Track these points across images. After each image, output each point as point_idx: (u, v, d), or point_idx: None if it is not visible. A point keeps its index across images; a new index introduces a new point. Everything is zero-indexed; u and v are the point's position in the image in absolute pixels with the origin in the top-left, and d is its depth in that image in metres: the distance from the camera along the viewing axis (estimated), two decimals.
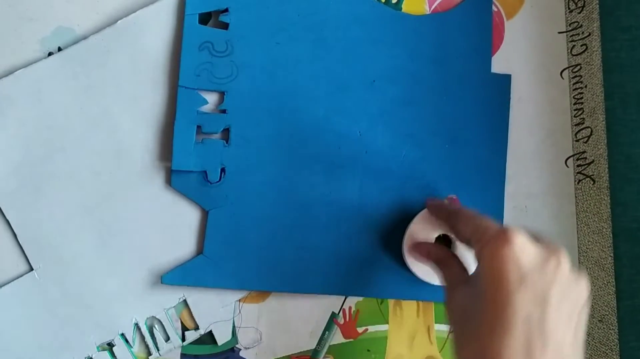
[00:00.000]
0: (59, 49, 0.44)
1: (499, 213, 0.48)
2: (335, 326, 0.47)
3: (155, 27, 0.44)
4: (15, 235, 0.43)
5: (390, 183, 0.46)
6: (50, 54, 0.44)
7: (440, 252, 0.42)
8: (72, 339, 0.44)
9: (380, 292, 0.47)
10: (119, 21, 0.44)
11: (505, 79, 0.48)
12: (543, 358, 0.31)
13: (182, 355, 0.46)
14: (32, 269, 0.44)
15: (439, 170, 0.46)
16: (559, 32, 0.48)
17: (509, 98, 0.48)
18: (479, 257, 0.35)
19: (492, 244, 0.33)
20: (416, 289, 0.46)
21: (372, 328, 0.47)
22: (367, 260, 0.46)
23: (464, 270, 0.40)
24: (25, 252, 0.44)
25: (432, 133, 0.46)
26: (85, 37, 0.44)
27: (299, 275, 0.45)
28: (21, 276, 0.44)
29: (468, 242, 0.37)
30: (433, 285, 0.45)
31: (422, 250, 0.43)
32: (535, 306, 0.32)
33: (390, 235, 0.46)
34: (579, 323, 0.34)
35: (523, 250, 0.33)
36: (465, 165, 0.46)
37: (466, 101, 0.47)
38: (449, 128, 0.47)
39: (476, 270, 0.35)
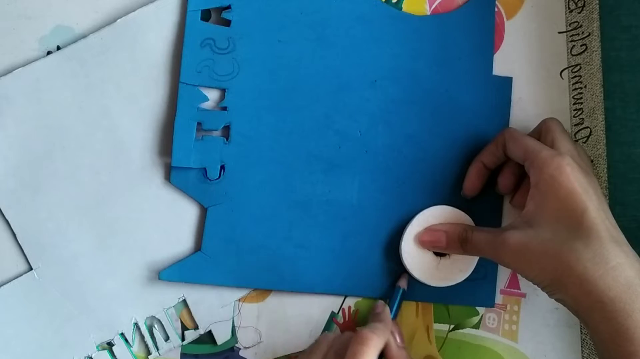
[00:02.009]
0: (58, 48, 0.44)
1: (498, 213, 0.48)
2: (335, 325, 0.47)
3: (155, 26, 0.44)
4: (14, 235, 0.43)
5: (389, 183, 0.46)
6: (49, 52, 0.44)
7: (460, 224, 0.45)
8: (72, 338, 0.44)
9: (379, 292, 0.46)
10: (118, 20, 0.44)
11: (507, 82, 0.48)
12: (622, 247, 0.37)
13: (182, 355, 0.46)
14: (31, 269, 0.44)
15: (439, 170, 0.46)
16: (559, 32, 0.48)
17: (510, 101, 0.48)
18: (539, 179, 0.39)
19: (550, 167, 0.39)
20: (414, 290, 0.46)
21: None
22: (366, 260, 0.46)
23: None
24: (25, 252, 0.44)
25: (432, 134, 0.46)
26: (84, 36, 0.44)
27: (296, 273, 0.45)
28: (20, 275, 0.44)
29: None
30: (430, 286, 0.46)
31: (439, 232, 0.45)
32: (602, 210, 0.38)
33: (389, 235, 0.46)
34: None
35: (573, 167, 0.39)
36: (465, 166, 0.46)
37: (467, 102, 0.47)
38: (449, 129, 0.47)
39: (532, 206, 0.40)
